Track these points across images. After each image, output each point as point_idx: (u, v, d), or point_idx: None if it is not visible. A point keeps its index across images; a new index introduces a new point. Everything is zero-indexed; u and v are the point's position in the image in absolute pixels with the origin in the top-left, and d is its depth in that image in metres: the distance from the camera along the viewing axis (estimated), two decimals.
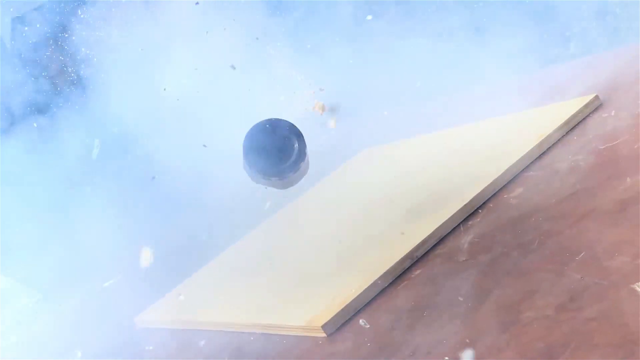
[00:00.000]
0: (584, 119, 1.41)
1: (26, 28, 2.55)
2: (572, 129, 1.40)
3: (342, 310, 1.20)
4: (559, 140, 1.39)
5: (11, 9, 2.56)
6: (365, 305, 1.21)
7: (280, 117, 1.31)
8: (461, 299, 1.06)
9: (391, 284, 1.22)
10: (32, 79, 2.68)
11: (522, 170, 1.35)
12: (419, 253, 1.26)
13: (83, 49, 2.43)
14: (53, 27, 2.52)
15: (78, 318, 2.29)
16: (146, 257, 2.14)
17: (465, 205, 1.30)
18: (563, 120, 1.40)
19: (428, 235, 1.27)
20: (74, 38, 2.44)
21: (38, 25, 2.52)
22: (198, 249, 2.25)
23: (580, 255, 0.98)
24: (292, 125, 1.33)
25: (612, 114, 1.36)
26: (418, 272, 1.21)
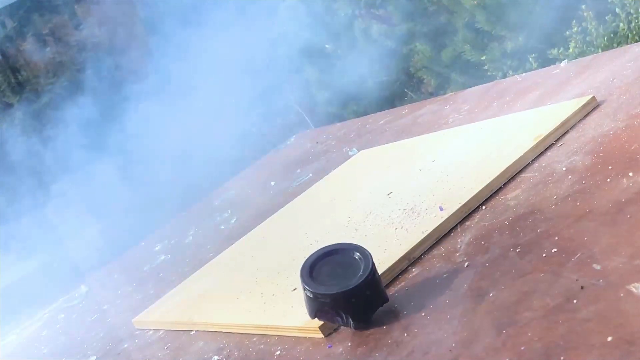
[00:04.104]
0: (581, 120, 1.41)
1: None
2: (569, 130, 1.40)
3: None
4: (556, 141, 1.39)
5: None
6: None
7: None
8: (458, 299, 1.06)
9: (389, 284, 1.22)
10: None
11: (520, 172, 1.35)
12: (417, 254, 1.26)
13: None
14: None
15: (76, 319, 2.29)
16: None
17: (462, 206, 1.30)
18: (560, 121, 1.41)
19: (426, 236, 1.27)
20: None
21: None
22: (197, 249, 2.25)
23: (577, 256, 0.98)
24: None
25: (610, 115, 1.36)
26: (415, 272, 1.21)
